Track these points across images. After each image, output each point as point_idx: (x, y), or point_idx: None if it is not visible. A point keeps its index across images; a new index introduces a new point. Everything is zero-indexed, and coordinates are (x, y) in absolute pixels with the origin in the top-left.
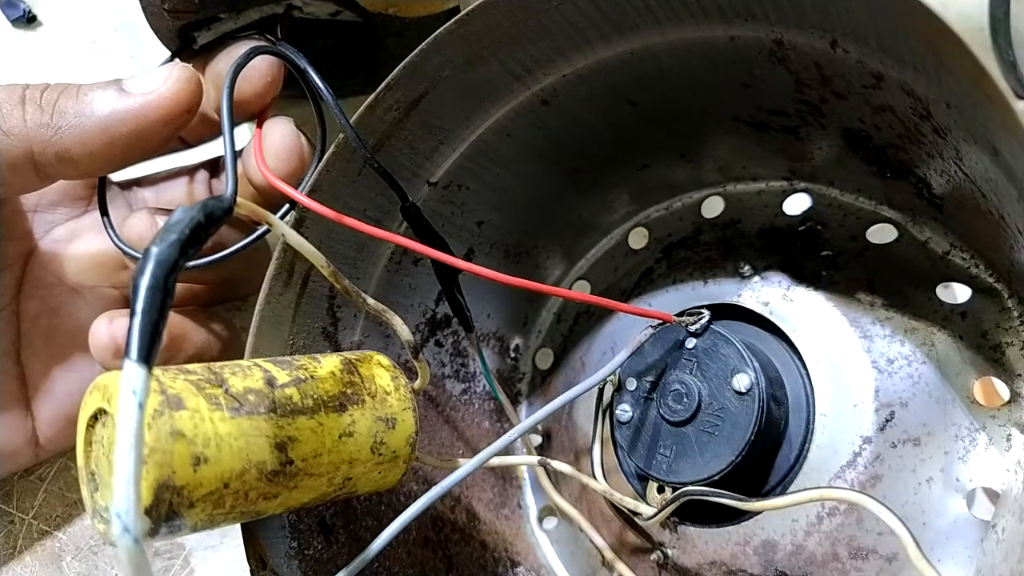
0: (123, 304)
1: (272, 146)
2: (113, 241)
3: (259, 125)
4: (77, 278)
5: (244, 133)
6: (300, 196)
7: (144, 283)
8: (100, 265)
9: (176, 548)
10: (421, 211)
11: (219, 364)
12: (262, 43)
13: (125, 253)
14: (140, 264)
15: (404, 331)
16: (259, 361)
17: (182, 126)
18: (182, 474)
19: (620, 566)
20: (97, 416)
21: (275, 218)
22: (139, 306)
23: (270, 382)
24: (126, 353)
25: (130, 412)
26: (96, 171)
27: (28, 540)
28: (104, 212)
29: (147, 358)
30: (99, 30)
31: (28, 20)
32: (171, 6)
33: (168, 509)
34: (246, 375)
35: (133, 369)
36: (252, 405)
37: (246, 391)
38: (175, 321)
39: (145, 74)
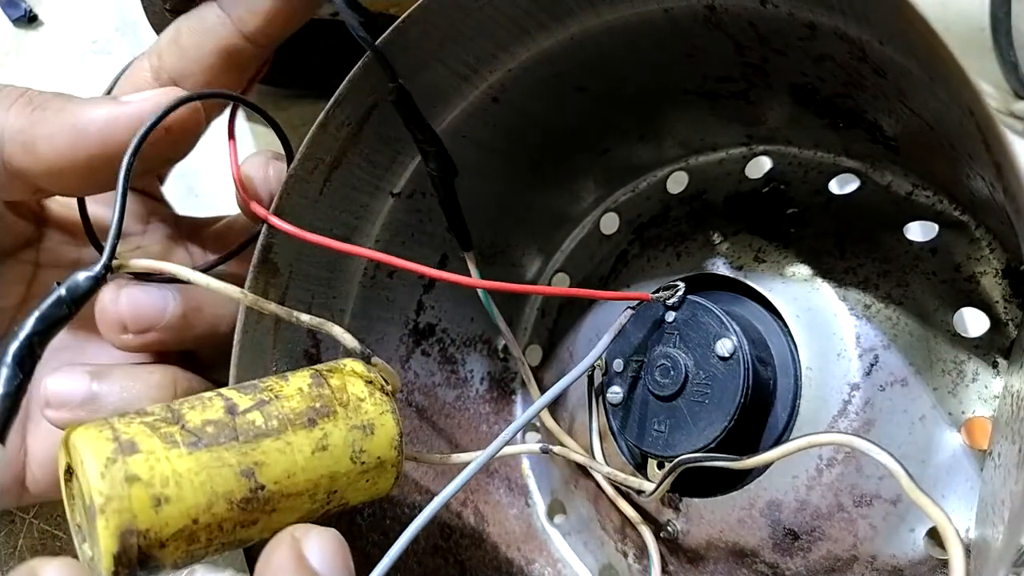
0: None
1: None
2: None
3: (231, 119)
4: None
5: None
6: (273, 218)
7: None
8: None
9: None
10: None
11: (179, 401)
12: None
13: None
14: None
15: (347, 339)
16: (222, 390)
17: (167, 151)
18: (144, 517)
19: (633, 550)
20: (69, 471)
21: (178, 268)
22: None
23: (231, 410)
24: None
25: None
26: (61, 176)
27: (28, 540)
28: None
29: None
30: (100, 30)
31: (29, 20)
32: (172, 6)
33: (138, 553)
34: (205, 407)
35: None
36: (211, 437)
37: (204, 424)
38: (191, 294)
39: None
